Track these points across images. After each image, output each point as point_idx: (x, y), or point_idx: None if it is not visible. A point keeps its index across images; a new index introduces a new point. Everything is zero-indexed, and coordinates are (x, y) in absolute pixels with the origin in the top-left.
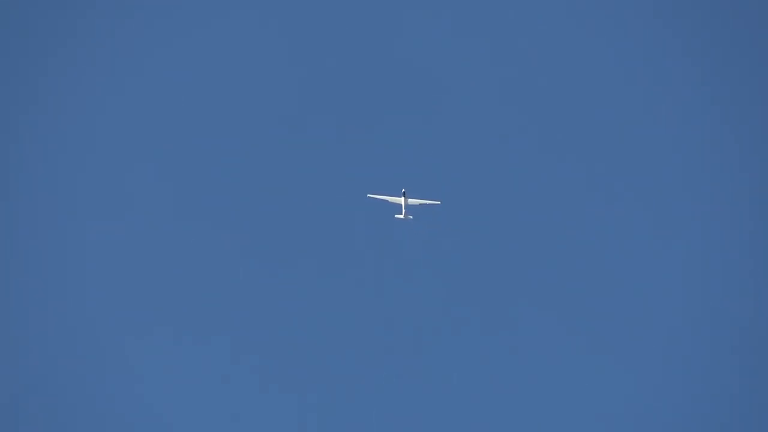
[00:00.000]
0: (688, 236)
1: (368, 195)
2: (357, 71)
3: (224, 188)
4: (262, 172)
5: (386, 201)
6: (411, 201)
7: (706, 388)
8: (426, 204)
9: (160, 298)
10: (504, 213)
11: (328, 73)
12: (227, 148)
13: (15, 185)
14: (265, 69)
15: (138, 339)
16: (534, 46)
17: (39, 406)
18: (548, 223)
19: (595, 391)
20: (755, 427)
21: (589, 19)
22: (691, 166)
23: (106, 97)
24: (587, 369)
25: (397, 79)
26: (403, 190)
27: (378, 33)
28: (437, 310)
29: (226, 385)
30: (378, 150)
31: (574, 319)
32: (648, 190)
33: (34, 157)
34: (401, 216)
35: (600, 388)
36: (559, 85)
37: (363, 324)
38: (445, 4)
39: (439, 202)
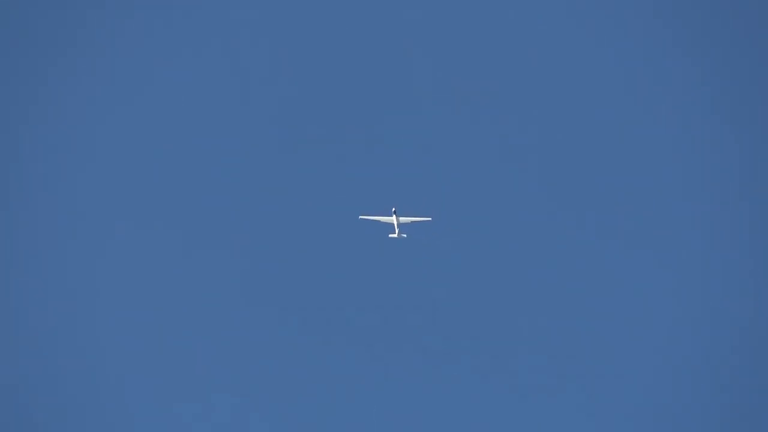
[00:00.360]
0: (687, 238)
1: (360, 216)
2: (352, 77)
3: (222, 192)
4: (257, 181)
5: (378, 221)
6: (402, 219)
7: (705, 389)
8: (417, 221)
9: (160, 301)
10: (501, 214)
11: (323, 80)
12: (226, 152)
13: (16, 189)
14: (262, 76)
15: (138, 341)
16: (532, 47)
17: (38, 406)
18: (546, 224)
19: (594, 393)
20: (756, 427)
21: (588, 20)
22: (690, 166)
23: (107, 102)
24: (585, 371)
25: (391, 86)
26: (394, 209)
27: (376, 39)
28: (432, 319)
29: (226, 389)
30: (369, 163)
31: (572, 322)
32: (647, 192)
33: (35, 162)
34: (395, 235)
35: (598, 390)
36: (556, 88)
37: (360, 330)
38: (443, 10)
39: (430, 218)
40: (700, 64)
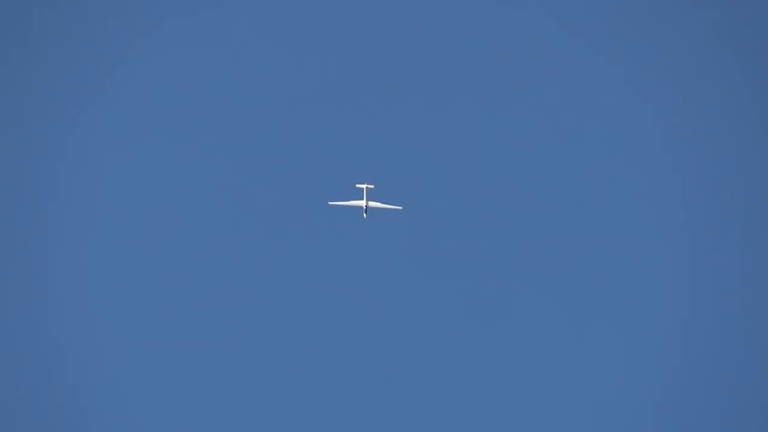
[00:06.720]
0: (686, 237)
1: (329, 203)
2: (342, 70)
3: (217, 194)
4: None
5: (348, 206)
6: (372, 204)
7: (703, 390)
8: (387, 208)
9: (162, 302)
10: (498, 209)
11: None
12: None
13: (16, 190)
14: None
15: (139, 341)
16: (529, 46)
17: (39, 407)
18: (542, 215)
19: (591, 391)
20: (756, 427)
21: (586, 21)
22: (688, 166)
23: (110, 103)
24: (583, 369)
25: (385, 81)
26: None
27: (373, 35)
28: (425, 300)
29: (232, 383)
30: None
31: (569, 321)
32: (645, 190)
33: (34, 166)
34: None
35: (594, 387)
36: (553, 85)
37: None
38: (441, 12)
39: (401, 208)
40: (699, 65)
